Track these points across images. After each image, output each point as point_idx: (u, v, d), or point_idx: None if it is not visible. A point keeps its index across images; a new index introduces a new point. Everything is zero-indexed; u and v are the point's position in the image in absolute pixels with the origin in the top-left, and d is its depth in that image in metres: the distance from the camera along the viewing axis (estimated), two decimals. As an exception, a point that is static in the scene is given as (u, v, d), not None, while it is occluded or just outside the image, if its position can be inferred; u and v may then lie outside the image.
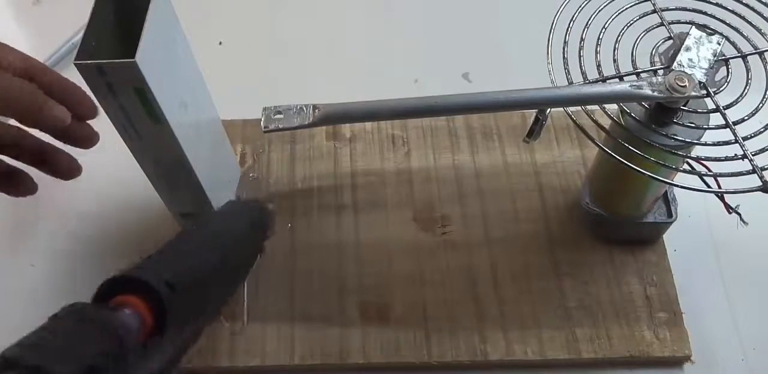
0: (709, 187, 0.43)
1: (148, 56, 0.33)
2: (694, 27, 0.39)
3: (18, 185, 0.47)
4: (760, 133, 0.38)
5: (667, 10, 0.41)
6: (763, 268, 0.52)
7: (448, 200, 0.54)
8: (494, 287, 0.50)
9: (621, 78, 0.39)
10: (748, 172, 0.36)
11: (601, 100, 0.38)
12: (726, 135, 0.38)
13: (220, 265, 0.37)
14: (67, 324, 0.30)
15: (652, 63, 0.39)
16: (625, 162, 0.38)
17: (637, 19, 0.41)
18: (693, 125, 0.39)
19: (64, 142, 0.46)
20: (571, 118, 0.40)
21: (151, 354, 0.31)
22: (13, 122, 0.43)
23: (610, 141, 0.40)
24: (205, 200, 0.45)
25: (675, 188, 0.49)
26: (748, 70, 0.39)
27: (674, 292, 0.49)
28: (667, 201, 0.50)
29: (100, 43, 0.35)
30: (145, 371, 0.31)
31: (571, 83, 0.39)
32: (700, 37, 0.39)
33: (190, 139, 0.41)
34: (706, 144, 0.39)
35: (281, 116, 0.38)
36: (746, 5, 0.41)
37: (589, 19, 0.41)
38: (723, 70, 0.39)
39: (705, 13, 0.42)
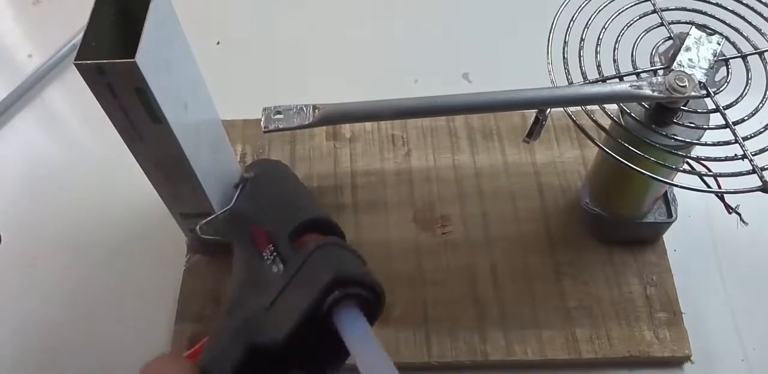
0: (709, 187, 0.43)
1: (148, 56, 0.33)
2: (694, 27, 0.39)
3: None
4: (760, 133, 0.38)
5: (667, 10, 0.41)
6: (763, 268, 0.52)
7: (448, 200, 0.54)
8: (494, 287, 0.50)
9: (621, 78, 0.39)
10: (748, 172, 0.36)
11: (601, 100, 0.38)
12: (726, 135, 0.38)
13: None
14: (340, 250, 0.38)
15: (652, 63, 0.39)
16: (625, 162, 0.38)
17: (637, 19, 0.41)
18: (693, 125, 0.39)
19: None
20: (571, 118, 0.40)
21: None
22: None
23: (610, 141, 0.40)
24: (205, 200, 0.45)
25: (675, 188, 0.49)
26: (748, 70, 0.39)
27: (674, 292, 0.49)
28: (667, 201, 0.50)
29: (100, 43, 0.35)
30: None
31: (571, 83, 0.39)
32: (700, 37, 0.39)
33: (190, 139, 0.41)
34: (706, 144, 0.39)
35: (281, 116, 0.38)
36: (746, 5, 0.41)
37: (589, 20, 0.41)
38: (723, 70, 0.39)
39: (705, 13, 0.42)
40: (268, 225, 0.41)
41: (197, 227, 0.45)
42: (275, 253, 0.39)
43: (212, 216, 0.45)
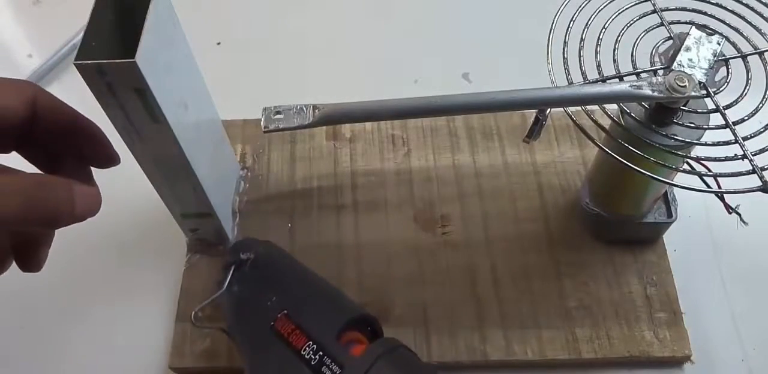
0: (709, 187, 0.43)
1: (148, 56, 0.33)
2: (694, 27, 0.39)
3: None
4: (760, 133, 0.38)
5: (667, 10, 0.41)
6: (763, 268, 0.52)
7: (448, 200, 0.54)
8: (494, 287, 0.50)
9: (621, 78, 0.39)
10: (748, 172, 0.36)
11: (601, 100, 0.38)
12: (726, 135, 0.38)
13: None
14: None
15: (652, 63, 0.39)
16: (625, 162, 0.38)
17: (637, 19, 0.41)
18: (693, 125, 0.39)
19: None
20: (571, 118, 0.40)
21: None
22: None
23: (610, 141, 0.40)
24: (205, 200, 0.45)
25: (675, 188, 0.49)
26: (748, 70, 0.39)
27: (674, 292, 0.49)
28: (667, 201, 0.50)
29: (100, 43, 0.35)
30: None
31: (571, 83, 0.39)
32: (700, 37, 0.39)
33: (190, 139, 0.41)
34: (706, 144, 0.39)
35: (281, 116, 0.38)
36: (746, 5, 0.41)
37: (589, 19, 0.41)
38: (723, 70, 0.39)
39: (705, 13, 0.42)
40: (303, 320, 0.39)
41: (191, 316, 0.42)
42: (320, 353, 0.37)
43: (207, 301, 0.43)
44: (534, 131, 0.40)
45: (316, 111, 0.38)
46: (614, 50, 0.40)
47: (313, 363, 0.37)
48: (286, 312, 0.39)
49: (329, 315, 0.39)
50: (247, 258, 0.43)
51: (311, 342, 0.37)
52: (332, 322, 0.38)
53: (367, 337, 0.40)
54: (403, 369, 0.36)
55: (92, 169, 0.40)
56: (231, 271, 0.43)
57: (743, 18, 0.41)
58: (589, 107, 0.40)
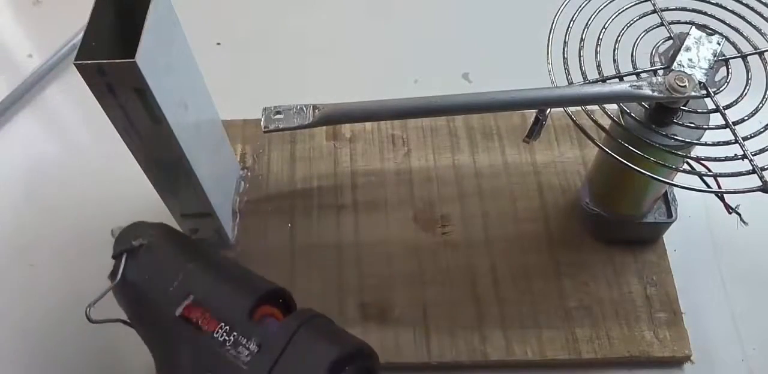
0: (709, 187, 0.43)
1: (148, 56, 0.33)
2: (694, 27, 0.39)
3: None
4: (760, 133, 0.38)
5: (667, 10, 0.41)
6: (763, 268, 0.52)
7: (448, 200, 0.54)
8: (494, 287, 0.50)
9: (621, 78, 0.39)
10: (748, 172, 0.36)
11: (601, 100, 0.38)
12: (726, 135, 0.38)
13: None
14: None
15: (652, 63, 0.39)
16: (625, 162, 0.38)
17: (637, 19, 0.41)
18: (693, 125, 0.39)
19: None
20: (571, 118, 0.40)
21: None
22: None
23: (610, 141, 0.40)
24: (205, 200, 0.45)
25: (675, 188, 0.49)
26: (748, 70, 0.39)
27: (674, 292, 0.49)
28: (667, 201, 0.50)
29: (100, 43, 0.35)
30: None
31: (571, 83, 0.39)
32: (700, 37, 0.39)
33: (190, 139, 0.41)
34: (706, 144, 0.39)
35: (281, 116, 0.38)
36: (746, 5, 0.41)
37: (589, 19, 0.41)
38: (723, 70, 0.39)
39: (705, 13, 0.42)
40: (211, 302, 0.37)
41: (86, 312, 0.39)
42: (234, 333, 0.35)
43: (101, 295, 0.40)
44: (534, 131, 0.40)
45: (316, 111, 0.38)
46: (614, 50, 0.40)
47: (228, 344, 0.35)
48: (192, 296, 0.37)
49: (238, 294, 0.37)
50: (140, 244, 0.40)
51: (224, 324, 0.36)
52: (242, 300, 0.37)
53: (282, 311, 0.38)
54: (323, 336, 0.35)
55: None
56: (123, 260, 0.40)
57: (743, 18, 0.41)
58: (589, 107, 0.40)
